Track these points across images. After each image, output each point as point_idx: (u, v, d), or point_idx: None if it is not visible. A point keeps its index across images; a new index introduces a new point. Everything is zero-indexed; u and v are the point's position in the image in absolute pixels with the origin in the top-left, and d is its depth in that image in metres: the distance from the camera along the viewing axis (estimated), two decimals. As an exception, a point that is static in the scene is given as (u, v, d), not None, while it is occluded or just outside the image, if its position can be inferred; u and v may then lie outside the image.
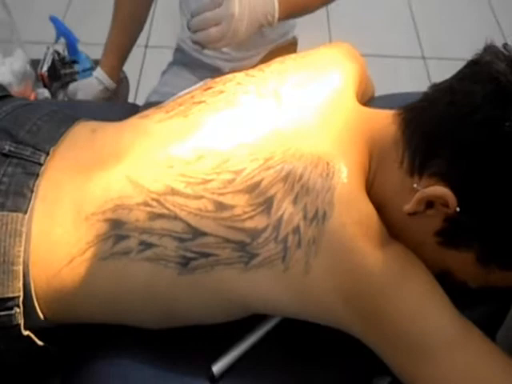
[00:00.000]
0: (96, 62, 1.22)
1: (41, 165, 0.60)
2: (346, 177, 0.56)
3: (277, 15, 0.76)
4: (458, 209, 0.52)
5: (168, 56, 1.30)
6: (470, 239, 0.54)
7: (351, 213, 0.55)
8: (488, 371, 0.54)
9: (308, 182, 0.56)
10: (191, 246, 0.56)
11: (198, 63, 1.20)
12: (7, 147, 0.60)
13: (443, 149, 0.54)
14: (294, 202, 0.55)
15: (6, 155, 0.60)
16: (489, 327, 0.60)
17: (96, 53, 1.17)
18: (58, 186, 0.59)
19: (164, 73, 1.29)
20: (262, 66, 0.71)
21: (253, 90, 0.65)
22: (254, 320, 0.63)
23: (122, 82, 1.39)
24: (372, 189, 0.61)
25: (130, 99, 1.41)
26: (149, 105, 0.93)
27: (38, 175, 0.59)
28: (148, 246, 0.56)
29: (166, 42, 1.41)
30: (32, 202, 0.57)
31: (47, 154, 0.61)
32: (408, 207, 0.55)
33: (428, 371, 0.54)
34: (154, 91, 1.23)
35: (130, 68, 1.32)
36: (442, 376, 0.54)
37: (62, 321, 0.61)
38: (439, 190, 0.53)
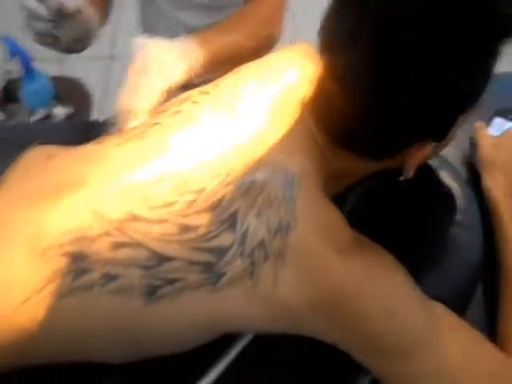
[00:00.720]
0: (53, 79, 1.18)
1: None
2: (306, 184, 0.56)
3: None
4: (433, 144, 0.54)
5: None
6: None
7: (314, 221, 0.54)
8: (470, 357, 0.54)
9: (270, 194, 0.55)
10: (156, 272, 0.54)
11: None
12: None
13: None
14: (258, 215, 0.54)
15: None
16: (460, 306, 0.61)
17: (53, 69, 1.13)
18: (6, 223, 0.56)
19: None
20: (217, 81, 0.69)
21: (208, 107, 0.63)
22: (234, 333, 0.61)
23: (85, 96, 1.36)
24: (342, 172, 0.60)
25: (97, 111, 1.38)
26: (111, 122, 0.89)
27: None
28: (112, 278, 0.54)
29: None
30: None
31: None
32: (408, 176, 0.57)
33: (410, 369, 0.53)
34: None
35: (94, 80, 1.29)
36: (425, 372, 0.53)
37: (20, 364, 0.58)
38: (413, 161, 0.54)
